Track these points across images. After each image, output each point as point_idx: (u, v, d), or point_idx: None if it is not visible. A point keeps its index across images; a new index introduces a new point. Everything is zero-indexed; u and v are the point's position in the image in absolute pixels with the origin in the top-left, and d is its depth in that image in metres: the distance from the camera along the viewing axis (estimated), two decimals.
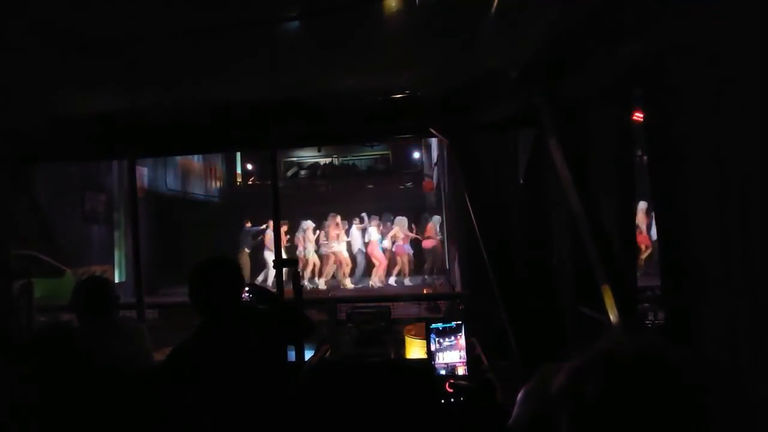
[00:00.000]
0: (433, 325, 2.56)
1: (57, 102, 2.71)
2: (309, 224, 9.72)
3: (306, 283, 9.37)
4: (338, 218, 9.74)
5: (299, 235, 9.77)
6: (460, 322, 2.57)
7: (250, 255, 9.63)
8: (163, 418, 1.58)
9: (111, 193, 9.45)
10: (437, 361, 2.53)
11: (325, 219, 9.88)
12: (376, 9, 1.82)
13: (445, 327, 2.56)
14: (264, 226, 9.53)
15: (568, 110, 2.22)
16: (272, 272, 9.22)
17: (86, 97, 2.66)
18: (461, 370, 2.52)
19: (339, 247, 9.62)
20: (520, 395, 0.66)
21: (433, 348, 2.53)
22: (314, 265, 9.72)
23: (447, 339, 2.54)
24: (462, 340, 2.55)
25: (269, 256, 9.27)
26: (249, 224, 9.95)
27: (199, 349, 1.63)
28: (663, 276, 1.57)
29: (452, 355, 2.54)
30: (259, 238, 9.63)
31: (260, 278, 9.43)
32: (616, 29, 1.67)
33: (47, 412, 1.77)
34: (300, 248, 9.70)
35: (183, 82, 2.54)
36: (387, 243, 9.69)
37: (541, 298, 2.60)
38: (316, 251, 9.79)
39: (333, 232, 9.62)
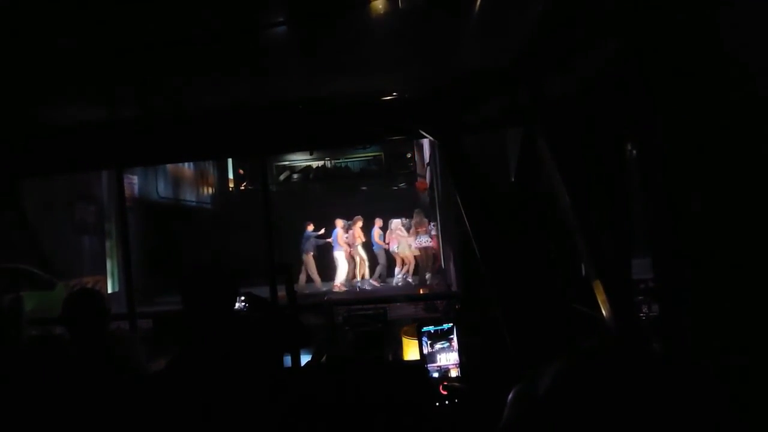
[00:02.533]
0: (425, 328, 2.55)
1: (41, 115, 2.67)
2: (398, 221, 9.79)
3: (400, 278, 9.63)
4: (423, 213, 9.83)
5: (391, 233, 9.85)
6: (451, 325, 2.56)
7: (315, 258, 9.83)
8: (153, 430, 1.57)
9: (101, 203, 9.37)
10: (430, 363, 2.51)
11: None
12: (362, 12, 1.82)
13: (437, 330, 2.55)
14: (344, 229, 9.72)
15: (556, 106, 2.22)
16: (342, 270, 9.60)
17: (71, 108, 2.63)
18: (454, 372, 2.51)
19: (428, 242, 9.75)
20: (510, 397, 0.66)
21: (425, 351, 2.52)
22: (403, 262, 9.80)
23: (439, 342, 2.53)
24: (455, 342, 2.54)
25: (339, 256, 9.57)
26: (312, 227, 9.99)
27: (186, 360, 1.61)
28: (655, 269, 1.57)
29: (445, 357, 2.53)
30: (322, 241, 9.82)
31: (340, 279, 9.64)
32: (601, 24, 1.67)
33: (38, 423, 1.75)
34: (393, 245, 9.78)
35: (170, 90, 2.52)
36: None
37: (537, 296, 2.60)
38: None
39: (422, 228, 9.69)
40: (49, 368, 1.93)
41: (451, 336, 2.54)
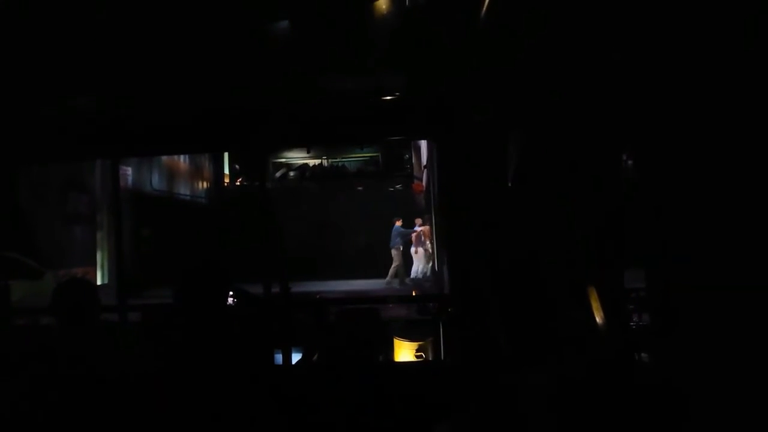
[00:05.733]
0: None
1: (39, 103, 2.64)
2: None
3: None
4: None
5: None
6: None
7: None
8: (144, 423, 1.55)
9: (94, 194, 9.28)
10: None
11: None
12: (366, 12, 1.82)
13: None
14: (417, 227, 10.22)
15: (554, 110, 2.22)
16: (418, 265, 10.05)
17: (69, 97, 2.60)
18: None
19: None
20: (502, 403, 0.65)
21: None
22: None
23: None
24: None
25: (421, 252, 10.04)
26: (399, 222, 10.35)
27: (175, 354, 1.60)
28: (647, 278, 1.57)
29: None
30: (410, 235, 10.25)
31: (415, 273, 10.06)
32: (602, 29, 1.67)
33: (29, 420, 1.72)
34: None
35: (169, 82, 2.50)
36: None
37: (532, 302, 2.60)
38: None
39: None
40: (36, 358, 1.90)
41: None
